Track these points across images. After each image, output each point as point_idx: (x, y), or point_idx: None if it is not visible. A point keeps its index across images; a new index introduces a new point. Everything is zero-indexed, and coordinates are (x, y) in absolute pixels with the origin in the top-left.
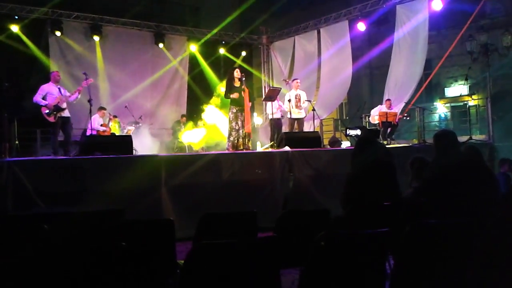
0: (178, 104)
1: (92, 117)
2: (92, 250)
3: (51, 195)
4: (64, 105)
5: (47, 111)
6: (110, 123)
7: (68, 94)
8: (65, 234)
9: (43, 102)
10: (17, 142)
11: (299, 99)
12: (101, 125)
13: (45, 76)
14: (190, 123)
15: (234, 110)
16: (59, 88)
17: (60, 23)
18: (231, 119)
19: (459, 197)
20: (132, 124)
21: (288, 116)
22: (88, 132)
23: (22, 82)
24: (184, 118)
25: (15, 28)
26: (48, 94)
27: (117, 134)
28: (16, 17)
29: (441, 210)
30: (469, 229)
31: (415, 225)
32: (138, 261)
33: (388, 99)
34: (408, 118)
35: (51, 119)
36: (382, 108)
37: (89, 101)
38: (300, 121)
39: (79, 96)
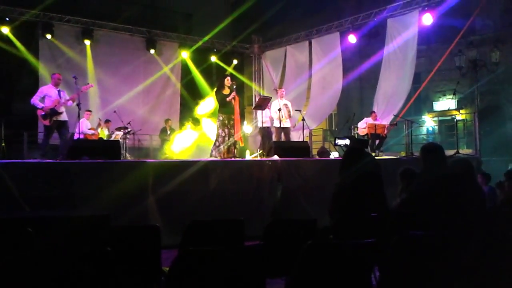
0: (170, 112)
1: (80, 121)
2: (77, 255)
3: (37, 199)
4: (61, 109)
5: (43, 113)
6: (99, 128)
7: (67, 97)
8: (50, 238)
9: (40, 105)
10: (3, 144)
11: (287, 109)
12: (89, 129)
13: (34, 79)
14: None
15: (221, 118)
16: (58, 91)
17: (51, 26)
18: (218, 126)
19: (445, 210)
20: (121, 130)
21: (276, 125)
22: (76, 136)
23: (10, 85)
24: (170, 122)
25: (5, 30)
26: (46, 96)
27: (105, 139)
28: (7, 18)
29: (427, 223)
30: (455, 241)
31: (401, 236)
32: (122, 267)
33: (373, 111)
34: (396, 127)
35: (46, 122)
36: (369, 120)
37: (78, 105)
38: (287, 130)
39: (74, 104)
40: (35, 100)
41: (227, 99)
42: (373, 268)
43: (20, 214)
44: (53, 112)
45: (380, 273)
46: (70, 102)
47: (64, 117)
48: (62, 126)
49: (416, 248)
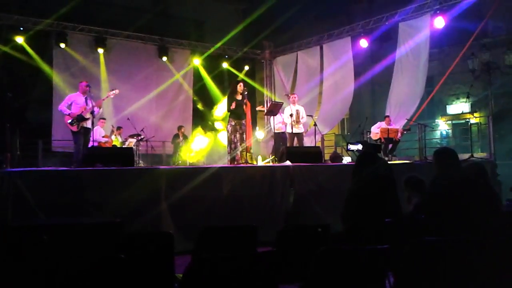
0: (183, 118)
1: (94, 129)
2: (91, 262)
3: (52, 206)
4: (88, 116)
5: (70, 120)
6: (113, 136)
7: (94, 104)
8: (65, 245)
9: (67, 111)
10: (18, 152)
11: (298, 115)
12: (103, 137)
13: (49, 87)
14: (199, 129)
15: (233, 123)
16: (86, 98)
17: (65, 35)
18: (229, 132)
19: (461, 215)
20: (134, 137)
21: (288, 131)
22: (90, 144)
23: (25, 93)
24: (183, 128)
25: (20, 39)
26: (73, 103)
27: (118, 146)
28: (21, 28)
29: (442, 227)
30: (470, 246)
31: (415, 242)
32: (136, 273)
33: (387, 116)
34: (409, 132)
35: (74, 128)
36: (382, 124)
37: (92, 112)
38: (300, 136)
39: (101, 111)
40: (63, 107)
41: (231, 107)
42: (387, 274)
43: (35, 222)
44: (80, 118)
45: (395, 279)
46: (97, 108)
47: (89, 124)
48: (87, 133)
49: (431, 253)
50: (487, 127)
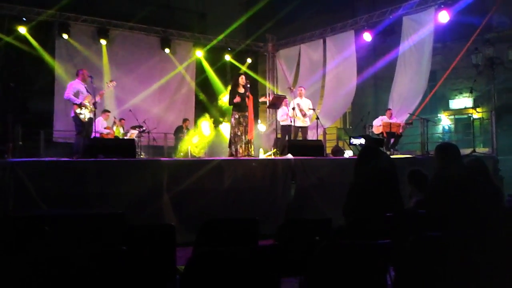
0: (186, 110)
1: (96, 120)
2: (92, 253)
3: (53, 197)
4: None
5: (79, 110)
6: (115, 127)
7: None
8: (66, 236)
9: (77, 100)
10: (20, 142)
11: (302, 108)
12: (105, 128)
13: (51, 78)
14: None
15: (237, 116)
16: (85, 87)
17: (67, 26)
18: (233, 125)
19: (463, 210)
20: (136, 128)
21: (292, 124)
22: (92, 135)
23: (27, 84)
24: (188, 122)
25: (22, 30)
26: (79, 92)
27: (120, 137)
28: (24, 19)
29: (444, 223)
30: (472, 242)
31: (417, 237)
32: (138, 265)
33: (389, 109)
34: (411, 126)
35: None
36: (384, 118)
37: (94, 103)
38: (304, 129)
39: (99, 100)
40: (70, 95)
41: (234, 100)
42: (388, 268)
43: (36, 212)
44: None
45: (396, 274)
46: (99, 98)
47: (92, 114)
48: (90, 124)
49: (433, 248)
50: (489, 122)
